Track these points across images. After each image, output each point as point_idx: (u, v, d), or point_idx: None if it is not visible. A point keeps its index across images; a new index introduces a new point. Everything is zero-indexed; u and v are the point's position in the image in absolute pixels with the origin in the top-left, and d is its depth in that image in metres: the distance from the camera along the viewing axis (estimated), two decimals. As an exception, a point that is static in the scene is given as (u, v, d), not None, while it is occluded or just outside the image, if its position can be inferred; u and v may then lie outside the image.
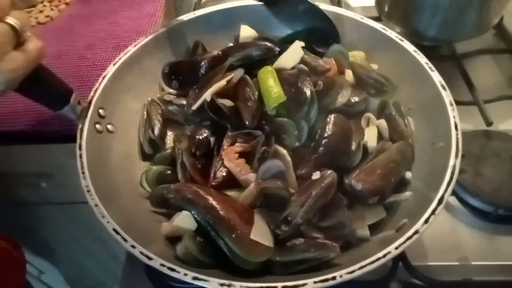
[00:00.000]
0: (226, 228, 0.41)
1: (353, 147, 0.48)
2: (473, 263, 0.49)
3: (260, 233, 0.41)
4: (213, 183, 0.46)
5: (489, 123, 0.58)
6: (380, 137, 0.51)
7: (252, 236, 0.40)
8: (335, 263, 0.40)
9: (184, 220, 0.43)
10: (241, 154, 0.46)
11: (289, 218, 0.42)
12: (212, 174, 0.46)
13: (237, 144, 0.47)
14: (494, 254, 0.50)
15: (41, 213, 0.87)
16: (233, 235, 0.40)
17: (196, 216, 0.43)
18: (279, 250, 0.42)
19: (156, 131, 0.54)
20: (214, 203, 0.42)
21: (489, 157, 0.55)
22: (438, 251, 0.51)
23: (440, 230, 0.52)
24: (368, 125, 0.52)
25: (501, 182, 0.53)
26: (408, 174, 0.47)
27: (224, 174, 0.46)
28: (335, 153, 0.46)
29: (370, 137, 0.50)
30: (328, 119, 0.48)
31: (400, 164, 0.47)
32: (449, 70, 0.68)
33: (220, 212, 0.41)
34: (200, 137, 0.50)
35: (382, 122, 0.52)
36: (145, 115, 0.56)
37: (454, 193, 0.54)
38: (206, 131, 0.50)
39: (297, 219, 0.41)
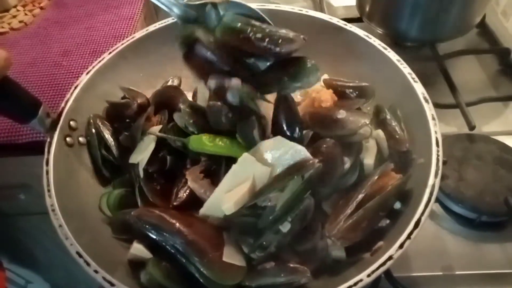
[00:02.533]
0: (196, 253, 0.39)
1: (347, 165, 0.45)
2: (457, 272, 0.49)
3: (232, 254, 0.40)
4: (174, 203, 0.44)
5: (471, 127, 0.57)
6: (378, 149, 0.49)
7: (225, 258, 0.39)
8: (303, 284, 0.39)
9: (141, 248, 0.42)
10: (206, 174, 0.44)
11: (264, 243, 0.40)
12: (174, 195, 0.44)
13: (201, 163, 0.45)
14: (477, 262, 0.49)
15: (23, 224, 0.85)
16: (205, 260, 0.38)
17: (162, 242, 0.41)
18: (250, 274, 0.40)
19: (115, 152, 0.50)
20: (181, 227, 0.40)
21: (472, 162, 0.54)
22: (421, 260, 0.50)
23: (423, 238, 0.51)
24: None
25: (483, 188, 0.52)
26: (397, 205, 0.44)
27: (187, 194, 0.44)
28: (321, 179, 0.43)
29: (368, 154, 0.48)
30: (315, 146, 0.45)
31: (391, 206, 0.43)
32: (432, 71, 0.67)
33: (189, 236, 0.39)
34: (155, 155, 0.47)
35: (380, 133, 0.50)
36: (94, 133, 0.50)
37: (437, 200, 0.53)
38: (163, 149, 0.48)
39: (271, 248, 0.40)
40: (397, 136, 0.49)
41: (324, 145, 0.44)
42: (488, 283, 0.48)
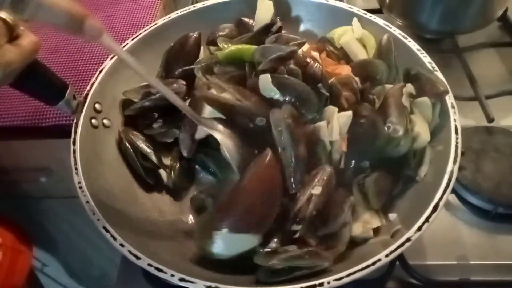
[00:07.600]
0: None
1: (401, 132, 0.44)
2: (472, 262, 0.49)
3: None
4: None
5: (490, 120, 0.57)
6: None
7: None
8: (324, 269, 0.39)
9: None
10: None
11: (297, 218, 0.41)
12: None
13: None
14: (493, 253, 0.49)
15: (42, 207, 0.87)
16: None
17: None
18: (271, 255, 0.40)
19: (153, 158, 0.50)
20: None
21: (489, 154, 0.55)
22: (437, 249, 0.50)
23: (439, 228, 0.51)
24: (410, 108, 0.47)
25: (501, 180, 0.52)
26: (392, 216, 0.44)
27: None
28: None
29: (422, 128, 0.46)
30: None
31: None
32: (451, 63, 0.67)
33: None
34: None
35: (426, 101, 0.48)
36: (129, 147, 0.50)
37: (453, 191, 0.54)
38: None
39: (311, 212, 0.40)
40: (433, 80, 0.48)
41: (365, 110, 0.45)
42: (503, 274, 0.48)
